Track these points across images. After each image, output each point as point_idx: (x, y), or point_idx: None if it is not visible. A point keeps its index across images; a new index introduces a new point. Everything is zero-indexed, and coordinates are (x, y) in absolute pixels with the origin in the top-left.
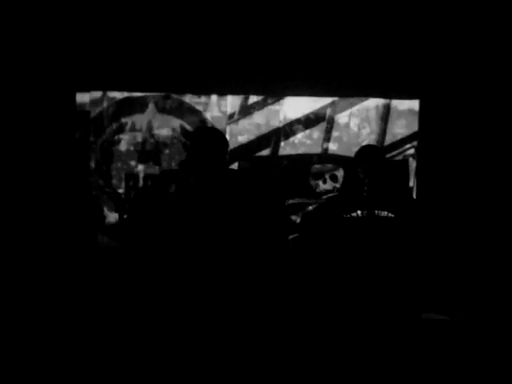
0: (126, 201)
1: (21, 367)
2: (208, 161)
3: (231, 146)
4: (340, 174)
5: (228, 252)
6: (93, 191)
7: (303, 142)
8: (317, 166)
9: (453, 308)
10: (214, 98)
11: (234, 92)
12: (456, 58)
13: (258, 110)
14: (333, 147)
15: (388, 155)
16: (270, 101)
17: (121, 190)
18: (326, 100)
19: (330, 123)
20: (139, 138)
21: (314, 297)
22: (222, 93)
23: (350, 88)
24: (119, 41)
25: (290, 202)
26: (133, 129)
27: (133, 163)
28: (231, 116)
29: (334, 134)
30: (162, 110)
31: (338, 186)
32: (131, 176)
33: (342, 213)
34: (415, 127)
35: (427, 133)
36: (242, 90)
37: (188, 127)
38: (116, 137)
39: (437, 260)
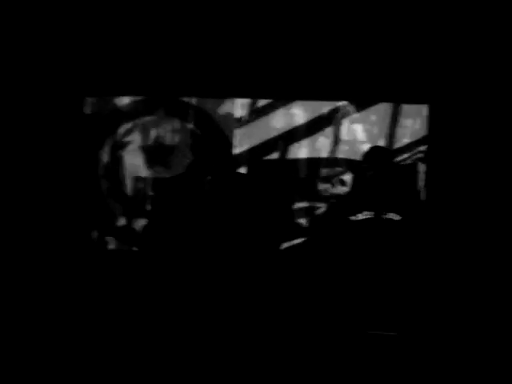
0: (135, 204)
1: (22, 368)
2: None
3: (239, 149)
4: (348, 177)
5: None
6: (101, 195)
7: (312, 146)
8: (325, 170)
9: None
10: (222, 101)
11: (242, 95)
12: (465, 63)
13: (267, 113)
14: (341, 151)
15: (397, 159)
16: (278, 104)
17: (129, 194)
18: (335, 104)
19: (338, 127)
20: (148, 141)
21: (319, 299)
22: (230, 96)
23: (358, 92)
24: (128, 45)
25: (299, 205)
26: (141, 132)
27: (141, 167)
28: (239, 119)
29: (343, 137)
30: (170, 113)
31: (346, 189)
32: (139, 179)
33: (349, 215)
34: (424, 132)
35: (436, 137)
36: (251, 93)
37: (196, 130)
38: (124, 140)
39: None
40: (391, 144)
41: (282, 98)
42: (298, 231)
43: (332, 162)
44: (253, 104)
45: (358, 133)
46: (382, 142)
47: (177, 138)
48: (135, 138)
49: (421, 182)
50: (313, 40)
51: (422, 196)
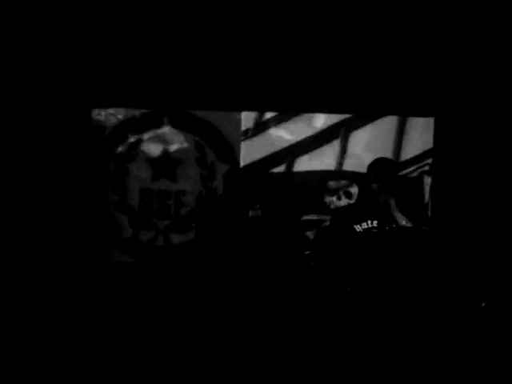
0: (141, 216)
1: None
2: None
3: (245, 162)
4: (354, 190)
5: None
6: (108, 206)
7: (318, 159)
8: (331, 183)
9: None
10: (228, 114)
11: (249, 108)
12: (471, 76)
13: (273, 126)
14: (347, 164)
15: (403, 172)
16: (284, 117)
17: (135, 206)
18: (341, 117)
19: (345, 140)
20: (154, 153)
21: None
22: (237, 109)
23: (365, 105)
24: (135, 58)
25: (305, 218)
26: (147, 144)
27: (147, 178)
28: (246, 132)
29: (349, 150)
30: (176, 125)
31: (352, 202)
32: (146, 191)
33: (353, 223)
34: (430, 145)
35: (442, 150)
36: (257, 106)
37: (203, 143)
38: (131, 152)
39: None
40: (397, 156)
41: (289, 111)
42: (306, 243)
43: (338, 174)
44: (259, 117)
45: (365, 146)
46: (388, 155)
47: (183, 151)
48: (142, 151)
49: (427, 195)
50: (320, 54)
51: (428, 208)
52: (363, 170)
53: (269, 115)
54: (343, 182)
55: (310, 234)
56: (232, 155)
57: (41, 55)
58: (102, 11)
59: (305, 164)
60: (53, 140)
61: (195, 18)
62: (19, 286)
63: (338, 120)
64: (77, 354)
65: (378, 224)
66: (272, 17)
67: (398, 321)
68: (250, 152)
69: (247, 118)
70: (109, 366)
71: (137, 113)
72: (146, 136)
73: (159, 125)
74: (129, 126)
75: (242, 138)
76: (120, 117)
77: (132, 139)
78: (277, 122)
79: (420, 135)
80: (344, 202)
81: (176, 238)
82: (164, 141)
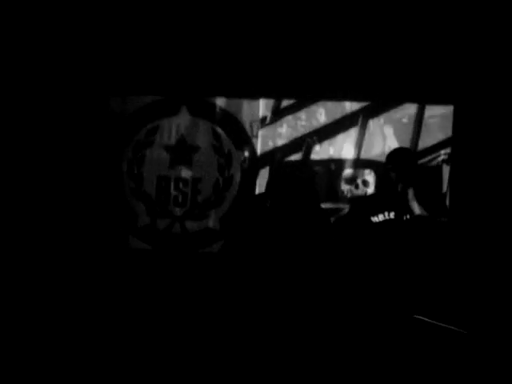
0: (158, 204)
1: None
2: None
3: (263, 150)
4: (372, 179)
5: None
6: (125, 194)
7: (335, 147)
8: (349, 171)
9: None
10: (246, 101)
11: (266, 95)
12: (491, 64)
13: (291, 113)
14: (365, 152)
15: (421, 161)
16: (302, 104)
17: (152, 193)
18: (360, 104)
19: (363, 128)
20: (171, 141)
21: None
22: (255, 96)
23: (384, 93)
24: (152, 46)
25: (322, 206)
26: (165, 131)
27: (165, 166)
28: (264, 119)
29: (367, 138)
30: (194, 113)
31: (370, 190)
32: (163, 179)
33: (370, 215)
34: (449, 133)
35: (461, 138)
36: (275, 93)
37: (220, 131)
38: (148, 139)
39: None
40: (416, 145)
41: (307, 98)
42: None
43: (356, 163)
44: (277, 104)
45: (383, 133)
46: (406, 143)
47: (200, 138)
48: (159, 138)
49: (445, 184)
50: (338, 41)
51: (447, 198)
52: (381, 158)
53: (286, 103)
54: (361, 171)
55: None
56: (249, 143)
57: (58, 44)
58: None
59: (322, 152)
60: (70, 128)
61: (213, 4)
62: (35, 273)
63: (357, 108)
64: (94, 342)
65: (395, 216)
66: (292, 4)
67: (411, 310)
68: (267, 140)
69: (265, 106)
70: (126, 353)
71: (154, 100)
72: (163, 123)
73: (176, 112)
74: (146, 113)
75: (260, 125)
76: (138, 104)
77: (149, 126)
78: (294, 109)
79: (439, 123)
80: (361, 190)
81: (192, 226)
82: (181, 128)
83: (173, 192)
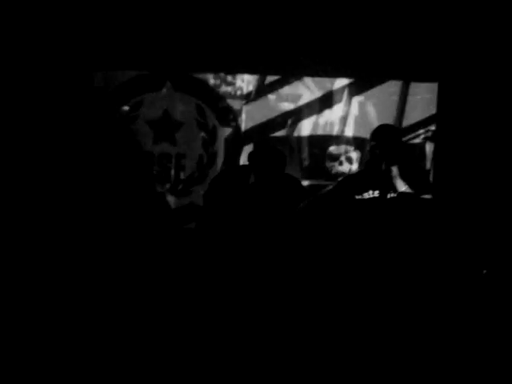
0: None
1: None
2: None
3: (247, 126)
4: (356, 155)
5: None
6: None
7: (319, 123)
8: (333, 148)
9: None
10: (230, 77)
11: (250, 71)
12: (476, 41)
13: (275, 90)
14: (349, 129)
15: (405, 138)
16: (286, 81)
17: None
18: (344, 81)
19: (347, 105)
20: (155, 116)
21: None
22: (239, 72)
23: (368, 69)
24: (135, 21)
25: (306, 183)
26: (148, 107)
27: (148, 141)
28: (248, 95)
29: (351, 115)
30: (178, 88)
31: (354, 167)
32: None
33: (355, 193)
34: (433, 110)
35: (445, 116)
36: (259, 69)
37: (204, 106)
38: (131, 114)
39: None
40: (400, 122)
41: (291, 75)
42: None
43: (340, 139)
44: (261, 80)
45: (367, 110)
46: (390, 120)
47: (185, 114)
48: (142, 113)
49: (429, 161)
50: (322, 17)
51: (431, 175)
52: (365, 135)
53: (271, 78)
54: (345, 148)
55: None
56: (234, 119)
57: (41, 20)
58: None
59: (306, 128)
60: (54, 104)
61: None
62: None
63: (341, 84)
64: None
65: (379, 194)
66: None
67: (399, 291)
68: (251, 116)
69: (249, 82)
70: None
71: (138, 75)
72: (146, 98)
73: (160, 87)
74: (130, 88)
75: (244, 101)
76: (121, 79)
77: (133, 101)
78: (279, 85)
79: (423, 101)
80: (346, 167)
81: (176, 202)
82: (165, 103)
83: (156, 168)
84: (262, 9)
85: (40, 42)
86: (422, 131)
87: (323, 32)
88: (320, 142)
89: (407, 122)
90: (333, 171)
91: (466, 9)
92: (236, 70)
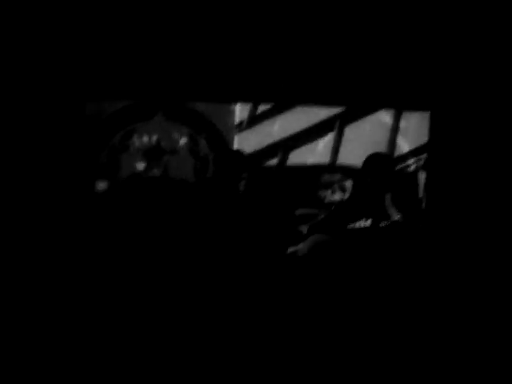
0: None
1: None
2: None
3: None
4: (349, 184)
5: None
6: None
7: (312, 152)
8: (326, 176)
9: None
10: (223, 106)
11: (243, 100)
12: (467, 70)
13: (267, 118)
14: (342, 158)
15: (398, 167)
16: (279, 110)
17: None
18: (336, 110)
19: (340, 133)
20: (147, 144)
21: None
22: (231, 101)
23: (360, 99)
24: (128, 50)
25: (299, 212)
26: (140, 136)
27: (140, 170)
28: (240, 124)
29: (344, 144)
30: (170, 117)
31: (346, 196)
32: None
33: (348, 222)
34: (425, 139)
35: (437, 145)
36: (252, 98)
37: (196, 135)
38: (123, 143)
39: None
40: (392, 151)
41: (283, 103)
42: (299, 238)
43: (332, 168)
44: (253, 109)
45: (360, 139)
46: (382, 149)
47: (176, 143)
48: (134, 142)
49: (421, 190)
50: (315, 47)
51: (423, 204)
52: (358, 164)
53: (263, 107)
54: (337, 176)
55: (303, 228)
56: (226, 148)
57: (35, 50)
58: (95, 4)
59: (299, 157)
60: (46, 132)
61: (189, 10)
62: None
63: (333, 113)
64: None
65: (372, 223)
66: (267, 9)
67: (393, 317)
68: (243, 145)
69: (241, 111)
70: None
71: (130, 104)
72: (139, 127)
73: (152, 116)
74: (122, 117)
75: (236, 130)
76: (113, 108)
77: (125, 130)
78: (271, 114)
79: (415, 130)
80: (338, 196)
81: None
82: (157, 132)
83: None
84: (255, 38)
85: (32, 71)
86: (413, 160)
87: (315, 61)
88: (312, 170)
89: (400, 150)
90: (326, 200)
91: (457, 38)
92: (228, 99)
